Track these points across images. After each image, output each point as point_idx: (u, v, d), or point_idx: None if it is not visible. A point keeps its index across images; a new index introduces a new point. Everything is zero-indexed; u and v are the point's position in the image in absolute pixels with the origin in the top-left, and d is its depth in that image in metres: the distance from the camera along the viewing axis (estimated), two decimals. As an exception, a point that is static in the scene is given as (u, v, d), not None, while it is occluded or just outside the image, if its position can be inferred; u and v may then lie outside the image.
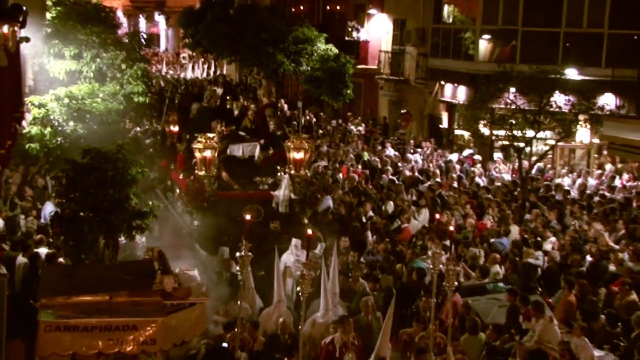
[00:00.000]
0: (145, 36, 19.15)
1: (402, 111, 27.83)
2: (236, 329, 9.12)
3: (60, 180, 11.24)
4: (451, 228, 9.59)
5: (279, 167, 15.52)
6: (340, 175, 19.76)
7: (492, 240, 14.98)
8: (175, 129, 17.46)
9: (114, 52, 16.96)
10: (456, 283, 8.77)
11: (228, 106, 17.51)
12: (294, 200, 14.96)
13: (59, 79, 16.47)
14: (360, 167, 20.95)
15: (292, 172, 14.96)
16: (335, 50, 20.18)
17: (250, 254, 8.36)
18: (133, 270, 8.56)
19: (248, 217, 8.72)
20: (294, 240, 13.41)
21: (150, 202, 11.55)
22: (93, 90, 16.27)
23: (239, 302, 9.22)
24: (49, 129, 15.72)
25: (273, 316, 11.27)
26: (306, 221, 14.92)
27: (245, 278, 8.83)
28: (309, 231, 8.83)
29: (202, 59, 39.23)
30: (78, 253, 10.85)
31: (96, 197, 10.73)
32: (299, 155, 14.94)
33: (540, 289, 12.77)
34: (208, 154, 14.66)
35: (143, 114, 20.50)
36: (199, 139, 14.76)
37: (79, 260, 10.78)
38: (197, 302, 7.97)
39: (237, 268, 8.49)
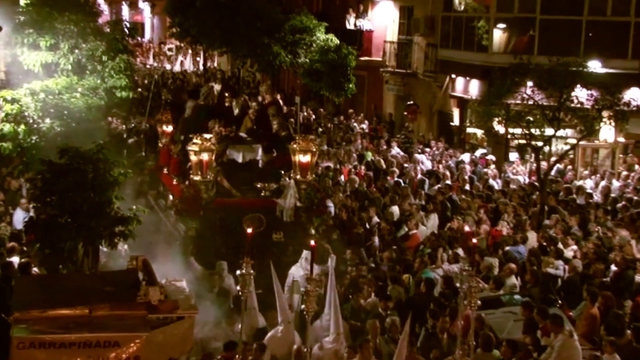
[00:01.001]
0: (128, 25, 19.14)
1: (408, 102, 27.76)
2: (238, 356, 8.97)
3: (36, 182, 11.23)
4: (474, 240, 9.35)
5: (283, 172, 15.42)
6: (342, 177, 19.75)
7: (507, 248, 14.98)
8: (168, 129, 17.34)
9: (94, 43, 16.97)
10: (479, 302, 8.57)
11: (227, 104, 17.36)
12: (300, 209, 14.86)
13: (34, 72, 16.47)
14: (363, 168, 20.95)
15: (298, 177, 14.84)
16: (336, 41, 20.20)
17: (252, 271, 8.25)
18: (115, 281, 8.56)
19: (249, 230, 8.56)
20: (304, 252, 13.25)
21: (135, 207, 11.52)
22: (71, 84, 16.27)
23: (239, 325, 9.03)
24: (22, 126, 15.72)
25: (282, 340, 11.04)
26: (313, 231, 14.83)
27: (246, 298, 8.66)
28: (312, 242, 8.69)
29: (191, 50, 39.29)
30: (55, 262, 10.83)
31: (74, 201, 10.73)
32: (305, 159, 14.76)
33: (560, 301, 12.76)
34: (205, 157, 14.54)
35: (127, 110, 20.49)
36: (195, 141, 14.60)
37: (56, 270, 10.76)
38: (185, 316, 7.97)
39: (238, 287, 8.33)
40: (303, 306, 8.12)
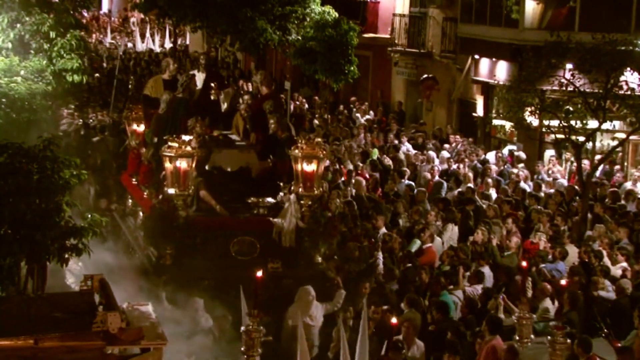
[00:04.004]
0: (81, -6, 19.16)
1: (424, 76, 27.59)
2: None
3: (-31, 186, 11.23)
4: (523, 263, 8.94)
5: (281, 184, 15.35)
6: (343, 178, 19.77)
7: (542, 265, 15.02)
8: (140, 128, 17.15)
9: (39, 16, 16.98)
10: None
11: (212, 97, 17.18)
12: (303, 231, 14.74)
13: (-34, 52, 16.52)
14: (365, 167, 20.98)
15: (301, 190, 14.62)
16: (335, 14, 20.24)
17: (262, 328, 8.07)
18: (66, 305, 8.56)
19: (259, 273, 8.20)
20: (305, 289, 13.18)
21: (90, 215, 11.52)
22: (12, 65, 16.28)
23: None
24: (-48, 117, 15.74)
25: None
26: (320, 260, 14.70)
27: None
28: (394, 320, 8.13)
29: (157, 25, 39.34)
30: (-8, 283, 10.84)
31: (16, 208, 10.72)
32: (309, 167, 14.51)
33: (606, 330, 12.79)
34: (183, 164, 14.42)
35: (81, 98, 20.47)
36: (170, 144, 14.42)
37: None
38: (151, 347, 7.98)
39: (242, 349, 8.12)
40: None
